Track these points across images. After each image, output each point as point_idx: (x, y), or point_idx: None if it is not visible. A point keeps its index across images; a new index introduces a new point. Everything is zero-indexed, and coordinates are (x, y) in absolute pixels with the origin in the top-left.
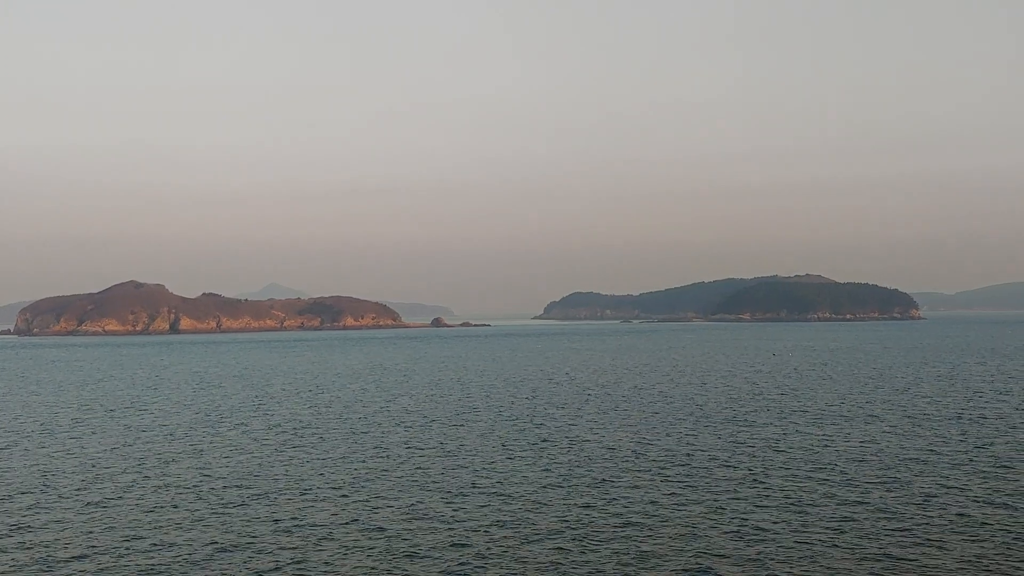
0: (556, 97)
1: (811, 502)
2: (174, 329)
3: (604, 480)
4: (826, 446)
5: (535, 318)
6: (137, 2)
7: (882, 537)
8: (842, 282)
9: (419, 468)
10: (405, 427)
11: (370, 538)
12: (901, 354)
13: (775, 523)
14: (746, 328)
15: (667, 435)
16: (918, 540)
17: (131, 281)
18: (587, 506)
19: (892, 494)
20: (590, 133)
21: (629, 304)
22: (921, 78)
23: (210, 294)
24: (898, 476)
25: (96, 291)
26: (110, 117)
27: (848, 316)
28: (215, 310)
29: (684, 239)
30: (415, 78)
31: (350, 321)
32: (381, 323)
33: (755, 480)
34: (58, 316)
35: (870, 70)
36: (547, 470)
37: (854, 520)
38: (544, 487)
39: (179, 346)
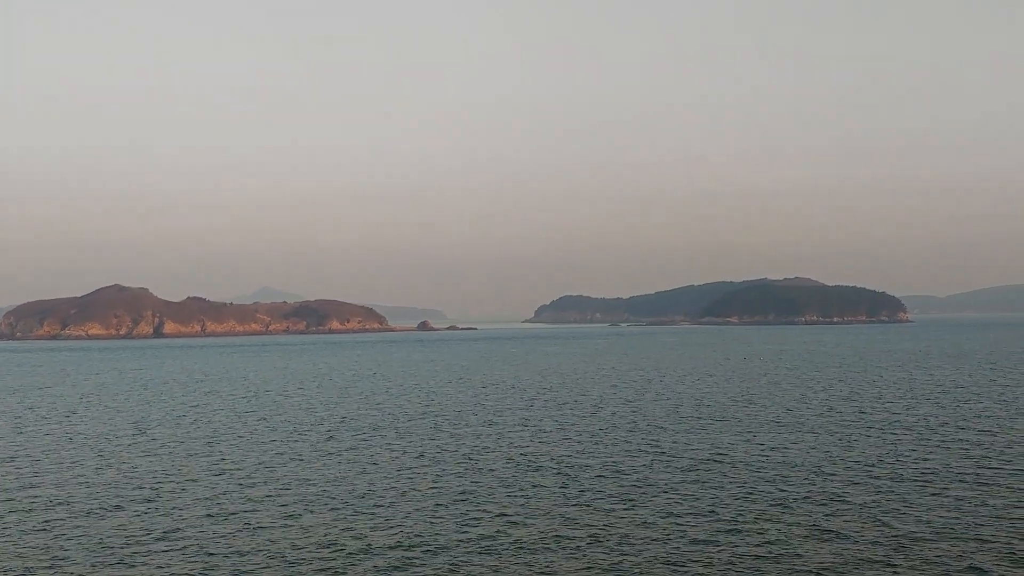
0: (549, 101)
1: (679, 513)
2: (158, 333)
3: (472, 493)
4: (730, 455)
5: (525, 321)
6: (131, 5)
7: (737, 545)
8: (831, 285)
9: (303, 480)
10: (318, 434)
11: (192, 554)
12: (870, 358)
13: (632, 538)
14: (732, 331)
15: (575, 442)
16: (774, 549)
17: (115, 285)
18: (439, 519)
19: (760, 503)
20: (583, 136)
21: (619, 307)
22: (913, 81)
23: (195, 298)
24: (783, 486)
25: (80, 295)
26: (101, 120)
27: (836, 319)
28: (199, 314)
29: (675, 242)
30: (409, 82)
31: (336, 325)
32: (367, 327)
33: (638, 490)
34: (41, 320)
35: (862, 73)
36: (433, 480)
37: (712, 529)
38: (407, 500)
39: (154, 350)
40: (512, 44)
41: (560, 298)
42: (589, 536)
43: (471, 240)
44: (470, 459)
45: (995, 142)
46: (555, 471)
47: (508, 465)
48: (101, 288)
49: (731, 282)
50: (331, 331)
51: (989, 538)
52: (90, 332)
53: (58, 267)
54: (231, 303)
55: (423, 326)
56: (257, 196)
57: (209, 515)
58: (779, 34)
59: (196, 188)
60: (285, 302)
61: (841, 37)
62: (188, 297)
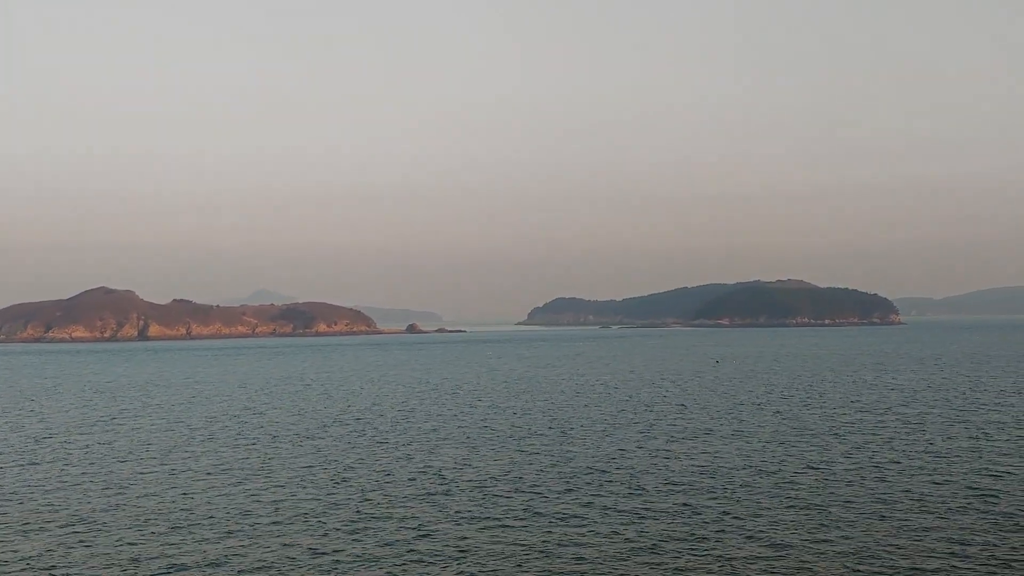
0: (549, 101)
1: (544, 528)
2: (142, 336)
3: (339, 505)
4: (623, 464)
5: (518, 324)
6: (131, 5)
7: (584, 557)
8: (823, 287)
9: (156, 493)
10: (216, 444)
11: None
12: (842, 361)
13: (480, 554)
14: (721, 334)
15: (475, 451)
16: (611, 564)
17: (100, 287)
18: (279, 537)
19: (623, 515)
20: (583, 136)
21: (612, 309)
22: (911, 82)
23: (180, 300)
24: (653, 496)
25: (67, 297)
26: (100, 121)
27: (827, 321)
28: (185, 316)
29: (669, 243)
30: (409, 82)
31: (323, 327)
32: (355, 329)
33: (505, 502)
34: (25, 323)
35: (859, 74)
36: (308, 492)
37: (567, 541)
38: (265, 515)
39: (129, 353)
40: (512, 44)
41: (553, 300)
42: (431, 552)
43: (468, 241)
44: (350, 471)
45: (993, 143)
46: (435, 483)
47: (381, 476)
48: (86, 291)
49: (724, 284)
50: (318, 334)
51: (831, 555)
52: (74, 335)
53: (51, 270)
54: (217, 306)
55: (411, 328)
56: (255, 197)
57: (42, 528)
58: (778, 35)
59: (195, 189)
60: (273, 304)
61: (839, 38)
62: (173, 300)
